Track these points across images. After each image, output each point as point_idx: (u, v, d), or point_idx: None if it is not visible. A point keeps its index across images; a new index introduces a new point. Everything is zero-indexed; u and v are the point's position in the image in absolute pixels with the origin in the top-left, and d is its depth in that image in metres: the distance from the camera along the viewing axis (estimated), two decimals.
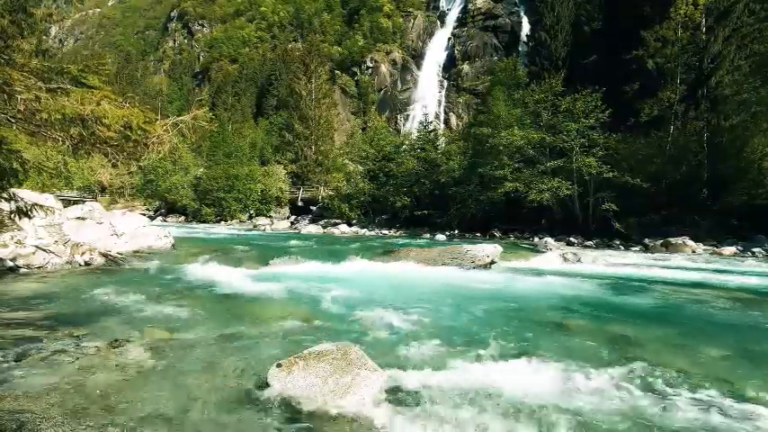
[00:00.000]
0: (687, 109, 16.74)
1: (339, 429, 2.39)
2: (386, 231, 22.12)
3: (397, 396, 2.77)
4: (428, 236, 19.19)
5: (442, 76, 58.49)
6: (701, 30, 16.96)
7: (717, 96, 16.38)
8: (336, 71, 60.17)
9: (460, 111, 53.50)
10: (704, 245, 13.29)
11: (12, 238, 7.52)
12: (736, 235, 14.00)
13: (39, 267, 7.47)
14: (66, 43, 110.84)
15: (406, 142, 28.98)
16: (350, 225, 24.47)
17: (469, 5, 59.94)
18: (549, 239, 15.77)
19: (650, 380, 3.06)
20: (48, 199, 10.18)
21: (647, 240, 14.34)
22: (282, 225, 28.26)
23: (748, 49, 16.34)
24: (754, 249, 12.25)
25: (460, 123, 49.49)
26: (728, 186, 14.76)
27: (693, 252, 12.67)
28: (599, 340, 4.12)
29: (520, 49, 48.06)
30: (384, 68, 61.15)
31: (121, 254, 9.12)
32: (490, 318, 4.93)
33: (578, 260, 9.97)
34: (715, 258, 11.29)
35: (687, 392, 2.86)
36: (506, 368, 3.16)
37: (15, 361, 3.14)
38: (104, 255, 8.59)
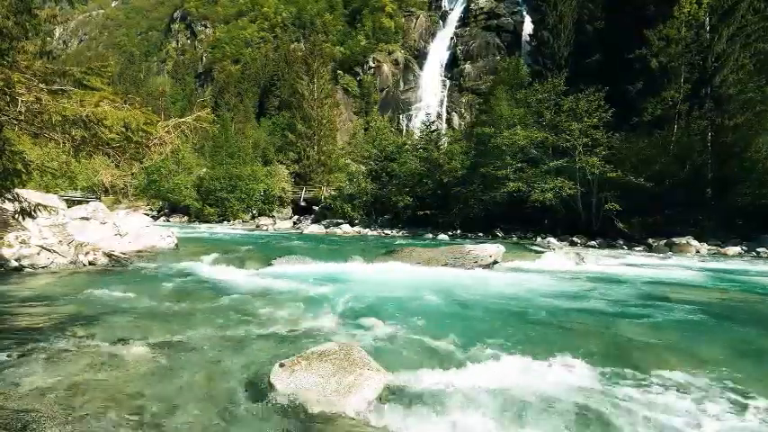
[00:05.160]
0: (691, 108, 16.65)
1: (341, 429, 2.39)
2: (388, 231, 22.11)
3: (399, 396, 2.76)
4: (430, 236, 19.17)
5: (445, 76, 58.30)
6: (705, 28, 16.86)
7: (721, 95, 16.28)
8: (339, 71, 60.15)
9: (463, 110, 53.36)
10: (708, 245, 13.20)
11: (16, 238, 7.57)
12: (741, 235, 13.91)
13: (43, 267, 7.51)
14: (70, 44, 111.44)
15: (409, 142, 28.90)
16: (352, 225, 24.47)
17: (471, 5, 59.73)
18: (552, 239, 15.72)
19: (652, 380, 3.04)
20: (51, 199, 10.25)
21: (650, 240, 14.27)
22: (285, 225, 28.31)
23: (753, 47, 16.23)
24: (759, 249, 12.16)
25: (463, 123, 49.37)
26: (733, 186, 14.67)
27: (697, 252, 12.60)
28: (602, 341, 4.10)
29: (522, 48, 47.89)
30: (386, 68, 61.09)
31: (125, 254, 9.16)
32: (493, 318, 4.92)
33: (581, 260, 9.93)
34: (719, 258, 11.23)
35: (688, 392, 2.84)
36: (509, 368, 3.15)
37: (19, 360, 3.16)
38: (108, 255, 8.63)
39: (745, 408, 2.65)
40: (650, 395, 2.81)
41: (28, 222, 6.92)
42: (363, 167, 29.37)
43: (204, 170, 35.63)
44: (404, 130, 51.11)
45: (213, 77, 77.09)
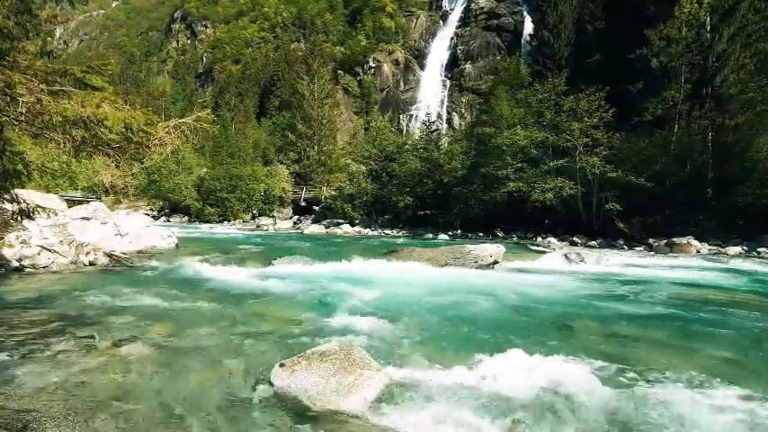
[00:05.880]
0: (691, 108, 16.64)
1: (341, 429, 2.39)
2: (388, 231, 22.11)
3: (399, 396, 2.76)
4: (431, 236, 19.18)
5: (445, 76, 58.28)
6: (706, 28, 16.85)
7: (721, 95, 16.26)
8: (339, 71, 60.13)
9: (463, 110, 53.35)
10: (709, 245, 13.19)
11: (17, 239, 7.57)
12: (742, 235, 13.89)
13: (44, 267, 7.52)
14: (70, 45, 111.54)
15: (409, 142, 28.89)
16: (352, 225, 24.48)
17: (472, 5, 59.70)
18: (553, 239, 15.72)
19: (652, 380, 3.04)
20: (52, 199, 10.26)
21: (651, 240, 14.26)
22: (285, 225, 28.32)
23: (753, 47, 16.22)
24: (760, 249, 12.15)
25: (463, 123, 49.35)
26: (733, 186, 14.65)
27: (698, 252, 12.58)
28: (602, 341, 4.10)
29: (523, 48, 47.85)
30: (386, 68, 61.08)
31: (125, 254, 9.17)
32: (493, 318, 4.92)
33: (582, 260, 9.92)
34: (720, 258, 11.22)
35: (688, 393, 2.84)
36: (509, 368, 3.15)
37: (21, 360, 3.16)
38: (109, 255, 8.63)
39: (743, 405, 2.64)
40: (649, 393, 2.80)
41: (28, 222, 6.93)
42: (364, 167, 29.38)
43: (204, 170, 35.64)
44: (404, 130, 51.10)
45: (213, 77, 77.14)
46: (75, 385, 2.78)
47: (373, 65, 61.32)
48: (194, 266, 8.13)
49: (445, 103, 55.70)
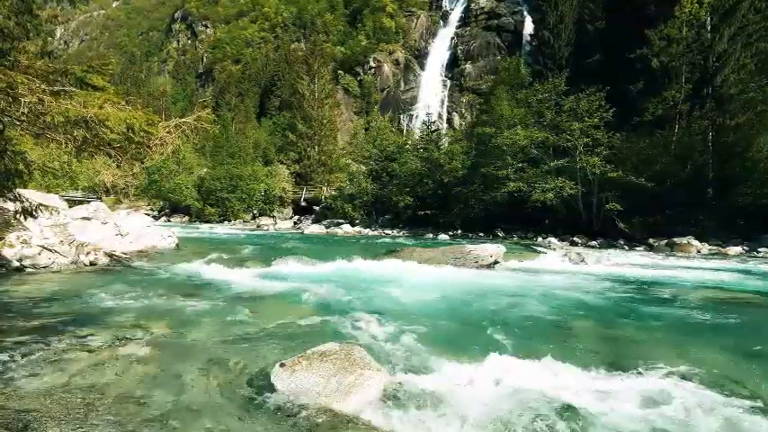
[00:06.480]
0: (692, 108, 16.64)
1: (342, 429, 2.39)
2: (389, 231, 22.12)
3: (399, 396, 2.76)
4: (431, 236, 19.18)
5: (445, 76, 58.29)
6: (706, 28, 16.85)
7: (722, 95, 16.26)
8: (339, 71, 60.15)
9: (463, 110, 53.35)
10: (709, 245, 13.19)
11: (18, 238, 7.58)
12: (742, 235, 13.89)
13: (44, 267, 7.52)
14: (71, 45, 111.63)
15: (409, 142, 28.90)
16: (353, 225, 24.49)
17: (472, 5, 59.72)
18: (553, 239, 15.71)
19: (651, 381, 3.04)
20: (53, 199, 10.27)
21: (651, 240, 14.26)
22: (286, 225, 28.35)
23: (754, 47, 16.22)
24: (760, 249, 12.15)
25: (463, 123, 49.36)
26: (734, 186, 14.65)
27: (698, 252, 12.58)
28: (602, 341, 4.10)
29: (523, 48, 47.84)
30: (387, 68, 61.08)
31: (126, 254, 9.17)
32: (493, 318, 4.92)
33: (582, 260, 9.92)
34: (720, 258, 11.21)
35: (687, 393, 2.84)
36: (508, 368, 3.15)
37: (21, 360, 3.16)
38: (109, 255, 8.64)
39: (741, 405, 2.64)
40: (647, 394, 2.81)
41: (29, 222, 6.94)
42: (364, 167, 29.41)
43: (205, 170, 35.68)
44: (404, 130, 51.07)
45: (214, 77, 77.14)
46: (75, 385, 2.78)
47: (373, 65, 61.31)
48: (194, 266, 8.14)
49: (445, 103, 55.69)
